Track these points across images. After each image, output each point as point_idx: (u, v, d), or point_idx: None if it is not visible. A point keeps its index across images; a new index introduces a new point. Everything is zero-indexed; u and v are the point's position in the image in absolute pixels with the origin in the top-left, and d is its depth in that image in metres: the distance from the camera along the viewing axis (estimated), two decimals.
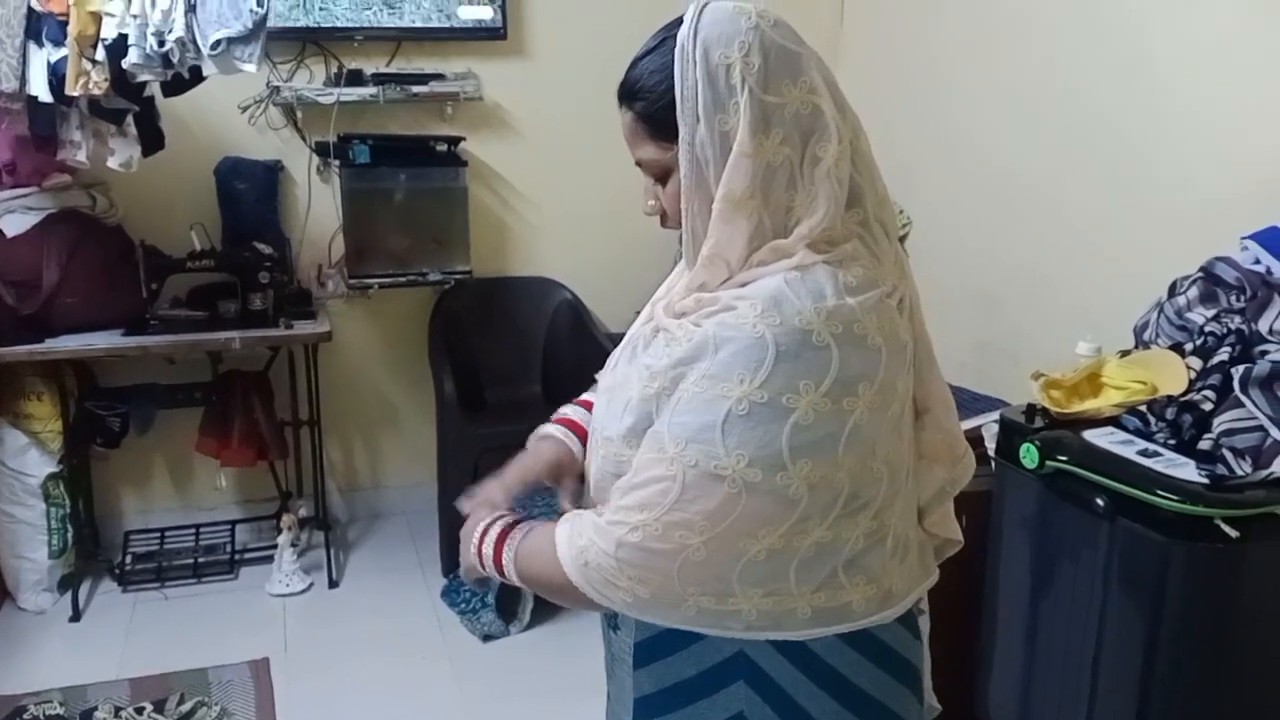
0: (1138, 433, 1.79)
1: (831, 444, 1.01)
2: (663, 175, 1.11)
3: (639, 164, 1.13)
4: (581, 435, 1.30)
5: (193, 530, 3.42)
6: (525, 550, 1.16)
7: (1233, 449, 1.65)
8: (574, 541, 1.09)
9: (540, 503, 1.42)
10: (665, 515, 1.02)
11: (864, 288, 1.05)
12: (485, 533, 1.19)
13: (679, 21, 1.08)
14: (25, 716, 2.54)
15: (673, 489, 1.01)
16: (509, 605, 2.98)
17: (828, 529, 1.04)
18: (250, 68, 2.59)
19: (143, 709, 2.58)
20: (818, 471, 1.00)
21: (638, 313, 1.25)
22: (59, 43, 2.55)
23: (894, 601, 1.12)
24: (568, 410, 1.36)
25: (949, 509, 1.24)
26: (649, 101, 1.08)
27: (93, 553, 3.32)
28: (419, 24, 3.36)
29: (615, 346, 1.25)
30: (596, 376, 1.27)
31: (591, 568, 1.07)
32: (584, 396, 1.37)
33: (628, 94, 1.11)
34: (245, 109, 3.27)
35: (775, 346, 0.99)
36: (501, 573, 1.18)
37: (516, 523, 1.19)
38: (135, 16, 2.49)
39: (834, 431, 1.01)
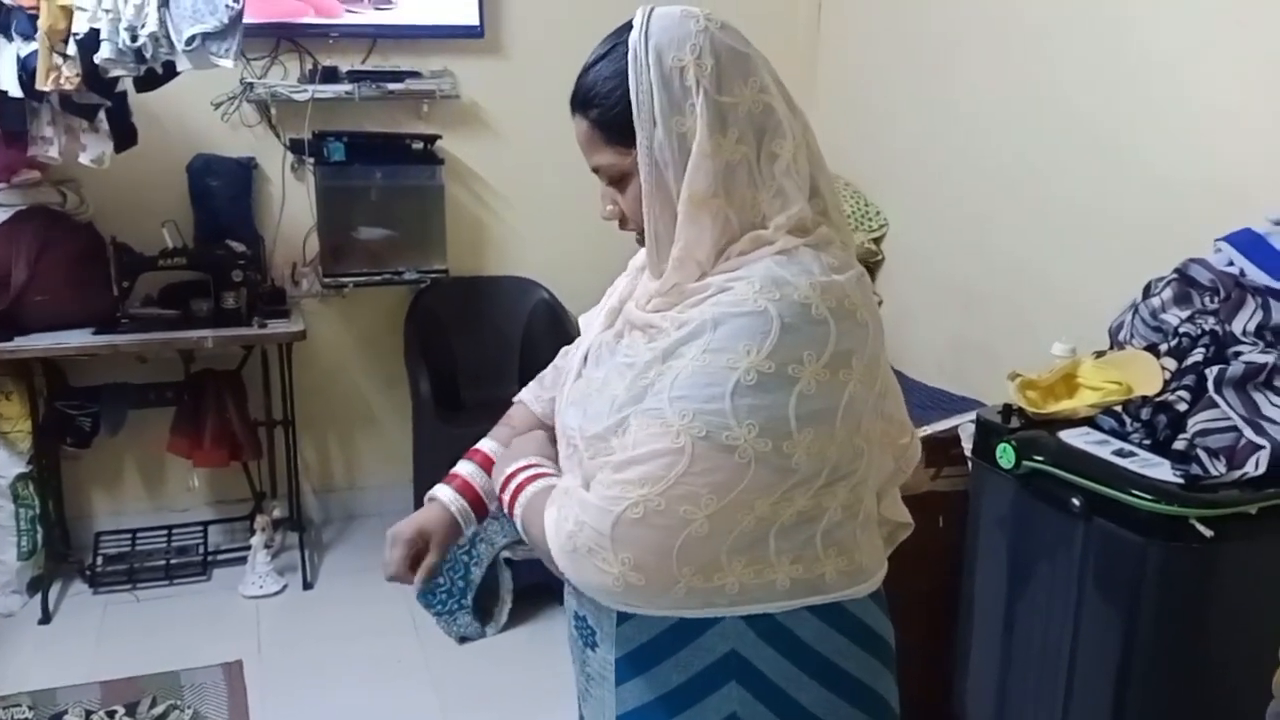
0: (1113, 433, 1.80)
1: (831, 415, 1.03)
2: (620, 180, 1.12)
3: (595, 170, 1.14)
4: (472, 497, 1.30)
5: (165, 531, 3.39)
6: (527, 516, 1.16)
7: (1207, 449, 1.66)
8: (561, 526, 1.06)
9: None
10: (670, 489, 1.00)
11: (844, 268, 1.08)
12: (508, 481, 1.20)
13: (627, 27, 1.08)
14: None
15: (679, 461, 0.99)
16: (485, 607, 2.97)
17: (811, 498, 1.05)
18: (228, 63, 2.57)
19: (114, 712, 2.54)
20: (818, 442, 1.02)
21: None
22: (29, 36, 2.52)
23: (864, 576, 1.14)
24: (463, 470, 1.34)
25: (897, 493, 1.27)
26: (604, 108, 1.09)
27: (63, 554, 3.27)
28: (395, 21, 3.33)
29: None
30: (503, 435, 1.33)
31: (580, 554, 1.04)
32: (481, 446, 1.36)
33: (582, 102, 1.11)
34: (218, 105, 3.24)
35: (780, 319, 1.01)
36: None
37: (538, 476, 1.19)
38: (108, 11, 2.47)
39: (833, 403, 1.03)
